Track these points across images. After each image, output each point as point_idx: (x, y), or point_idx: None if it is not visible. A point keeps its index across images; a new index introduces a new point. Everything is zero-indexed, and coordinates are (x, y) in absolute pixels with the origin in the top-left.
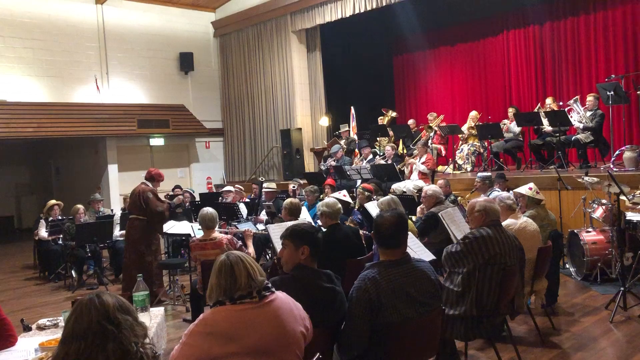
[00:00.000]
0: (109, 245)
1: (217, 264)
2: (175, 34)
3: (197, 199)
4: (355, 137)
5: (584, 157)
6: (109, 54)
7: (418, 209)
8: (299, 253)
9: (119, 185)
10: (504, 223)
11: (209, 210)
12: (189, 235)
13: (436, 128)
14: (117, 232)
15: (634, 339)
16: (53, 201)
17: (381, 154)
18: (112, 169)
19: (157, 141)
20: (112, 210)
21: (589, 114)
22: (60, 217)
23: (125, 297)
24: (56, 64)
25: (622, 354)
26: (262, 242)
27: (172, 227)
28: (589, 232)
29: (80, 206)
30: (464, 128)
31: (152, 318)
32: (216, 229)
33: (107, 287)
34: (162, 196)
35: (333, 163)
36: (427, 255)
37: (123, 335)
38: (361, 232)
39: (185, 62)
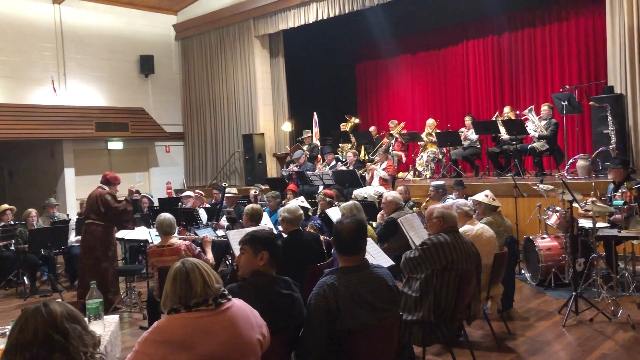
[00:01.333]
0: (64, 251)
1: (172, 271)
2: (135, 36)
3: (156, 204)
4: (318, 142)
5: (540, 165)
6: (66, 55)
7: (378, 215)
8: (257, 259)
9: (76, 189)
10: (461, 229)
11: (166, 215)
12: (147, 241)
13: (397, 135)
14: (73, 237)
15: (585, 342)
16: (5, 205)
17: (343, 160)
18: (69, 173)
19: (115, 145)
20: (67, 215)
21: (543, 123)
22: (12, 222)
23: (80, 304)
24: (11, 64)
25: (574, 357)
26: (223, 248)
27: (130, 232)
28: (544, 238)
29: (32, 210)
30: (422, 135)
31: (106, 326)
32: (175, 234)
33: (61, 294)
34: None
35: (295, 169)
36: (386, 261)
37: (71, 345)
38: (322, 237)
39: (146, 64)
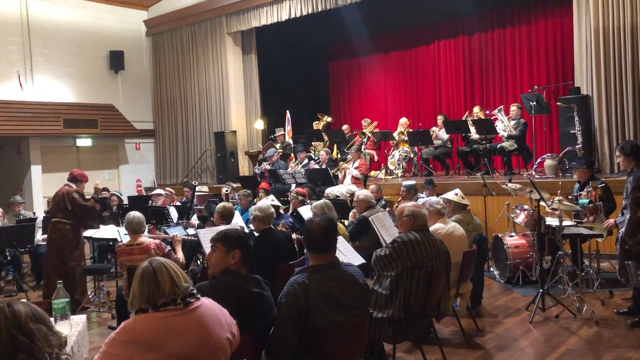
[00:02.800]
0: (30, 250)
1: (139, 270)
2: (105, 31)
3: (126, 202)
4: (291, 141)
5: (509, 164)
6: (33, 49)
7: (350, 213)
8: (229, 257)
9: (43, 187)
10: (432, 227)
11: (135, 214)
12: (116, 240)
13: (369, 134)
14: (39, 236)
15: (551, 338)
16: None
17: (316, 158)
18: (36, 170)
19: (84, 142)
20: (34, 213)
21: (512, 123)
22: None
23: (46, 304)
24: None
25: (540, 353)
26: (193, 247)
27: (98, 231)
28: (512, 236)
29: None
30: (395, 134)
31: (73, 326)
32: (145, 233)
33: (27, 293)
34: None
35: (268, 167)
36: (357, 259)
37: (36, 346)
38: (294, 236)
39: (116, 60)
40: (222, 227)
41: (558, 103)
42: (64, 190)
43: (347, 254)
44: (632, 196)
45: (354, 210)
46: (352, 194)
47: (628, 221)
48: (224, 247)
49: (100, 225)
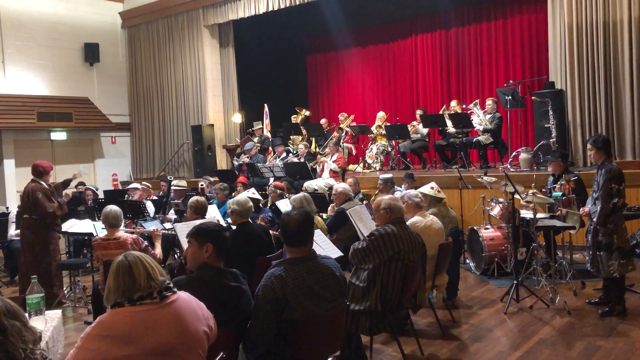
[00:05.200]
0: (3, 246)
1: (114, 264)
2: (80, 23)
3: (101, 196)
4: (269, 134)
5: (484, 158)
6: (5, 41)
7: (329, 208)
8: (202, 251)
9: (16, 181)
10: (411, 220)
11: (112, 208)
12: (91, 234)
13: (347, 128)
14: (13, 231)
15: (525, 328)
16: None
17: (294, 152)
18: (9, 164)
19: (58, 135)
20: (7, 208)
21: (488, 117)
22: None
23: (20, 299)
24: None
25: (514, 343)
26: (170, 241)
27: (74, 225)
28: (488, 228)
29: None
30: (373, 128)
31: (49, 321)
32: (122, 228)
33: (0, 289)
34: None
35: (246, 160)
36: (334, 252)
37: (9, 342)
38: (271, 232)
39: (91, 53)
40: (197, 222)
41: (533, 97)
42: (30, 187)
43: (324, 246)
44: (605, 187)
45: (332, 205)
46: (331, 188)
47: (600, 211)
48: (197, 241)
49: (76, 220)
